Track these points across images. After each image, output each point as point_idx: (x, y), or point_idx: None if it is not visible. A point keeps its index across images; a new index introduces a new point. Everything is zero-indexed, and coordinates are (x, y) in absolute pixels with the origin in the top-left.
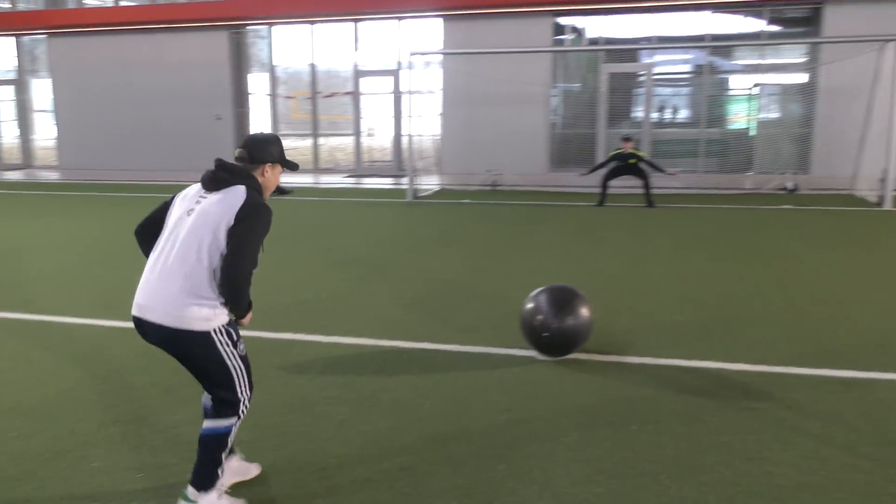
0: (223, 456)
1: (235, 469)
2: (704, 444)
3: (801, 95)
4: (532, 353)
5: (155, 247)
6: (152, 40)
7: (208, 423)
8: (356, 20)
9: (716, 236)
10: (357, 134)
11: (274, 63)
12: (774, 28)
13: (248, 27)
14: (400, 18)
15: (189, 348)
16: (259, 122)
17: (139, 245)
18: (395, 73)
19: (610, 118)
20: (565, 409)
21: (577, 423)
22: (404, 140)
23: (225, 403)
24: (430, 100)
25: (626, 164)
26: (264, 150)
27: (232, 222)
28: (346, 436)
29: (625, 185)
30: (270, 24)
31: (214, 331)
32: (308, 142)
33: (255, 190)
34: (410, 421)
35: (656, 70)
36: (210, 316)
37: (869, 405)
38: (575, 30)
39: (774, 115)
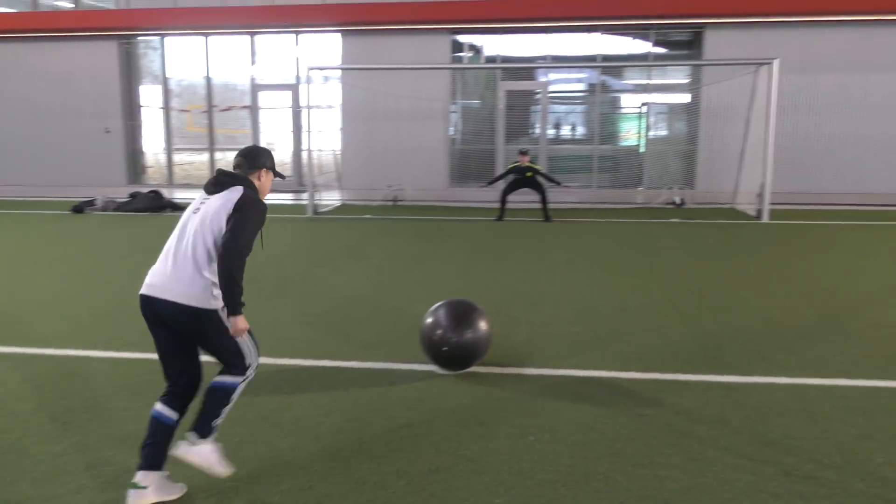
0: (224, 411)
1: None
2: (599, 451)
3: (685, 114)
4: (433, 367)
5: (168, 241)
6: (37, 49)
7: (217, 378)
8: (252, 33)
9: (609, 249)
10: None
11: (167, 75)
12: (660, 50)
13: (138, 38)
14: (297, 33)
15: (200, 323)
16: (152, 136)
17: None
18: (293, 88)
19: (508, 134)
20: (465, 422)
21: (476, 436)
22: (304, 155)
23: (234, 366)
24: (329, 115)
25: (523, 178)
26: (258, 158)
27: (231, 210)
28: (243, 457)
29: (522, 199)
30: (163, 35)
31: (221, 309)
32: (205, 156)
33: (251, 190)
34: (310, 439)
35: (551, 88)
36: (218, 296)
37: (749, 408)
38: (473, 48)
39: (662, 132)
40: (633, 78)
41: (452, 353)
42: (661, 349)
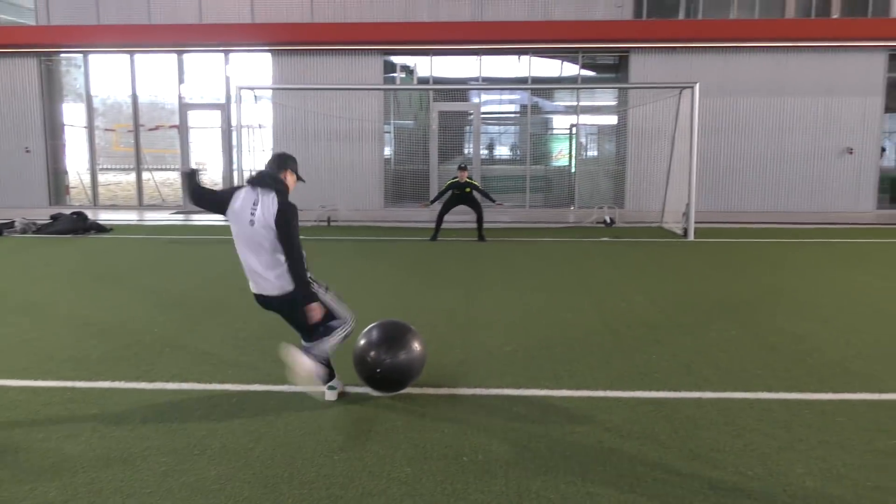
0: (331, 346)
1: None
2: (532, 470)
3: (614, 135)
4: (366, 389)
5: (244, 251)
6: None
7: (306, 344)
8: (180, 52)
9: (542, 268)
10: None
11: (91, 93)
12: (588, 73)
13: (60, 55)
14: (227, 52)
15: (294, 303)
16: (76, 156)
17: (198, 202)
18: (223, 107)
19: (441, 155)
20: (399, 444)
21: (410, 458)
22: (235, 175)
23: (316, 334)
24: (261, 134)
25: (462, 193)
26: (286, 161)
27: (273, 226)
28: (169, 488)
29: (457, 218)
30: (86, 53)
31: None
32: (132, 176)
33: (283, 193)
34: (240, 467)
35: (484, 109)
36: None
37: (677, 423)
38: (405, 68)
39: (592, 153)
40: (563, 100)
41: (386, 375)
42: (592, 366)
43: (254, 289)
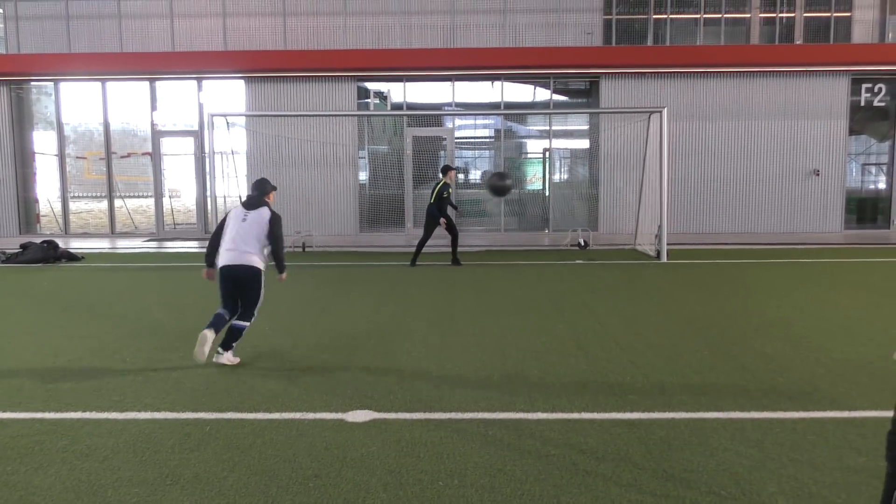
0: (235, 343)
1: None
2: (507, 494)
3: (586, 159)
4: (341, 415)
5: (226, 234)
6: None
7: (237, 322)
8: (152, 79)
9: (516, 291)
10: (157, 196)
11: (63, 121)
12: (560, 98)
13: (31, 83)
14: (199, 79)
15: (252, 279)
16: (47, 184)
17: (211, 244)
18: (196, 134)
19: (416, 180)
20: (373, 469)
21: (385, 484)
22: (209, 202)
23: (249, 314)
24: (234, 161)
25: (450, 196)
26: (266, 185)
27: (266, 226)
28: None
29: (435, 244)
30: (56, 81)
31: (262, 272)
32: (104, 204)
33: (269, 207)
34: (213, 496)
35: (458, 134)
36: (261, 264)
37: (651, 444)
38: (379, 94)
39: (565, 176)
40: (535, 124)
41: None
42: (567, 388)
43: (226, 261)
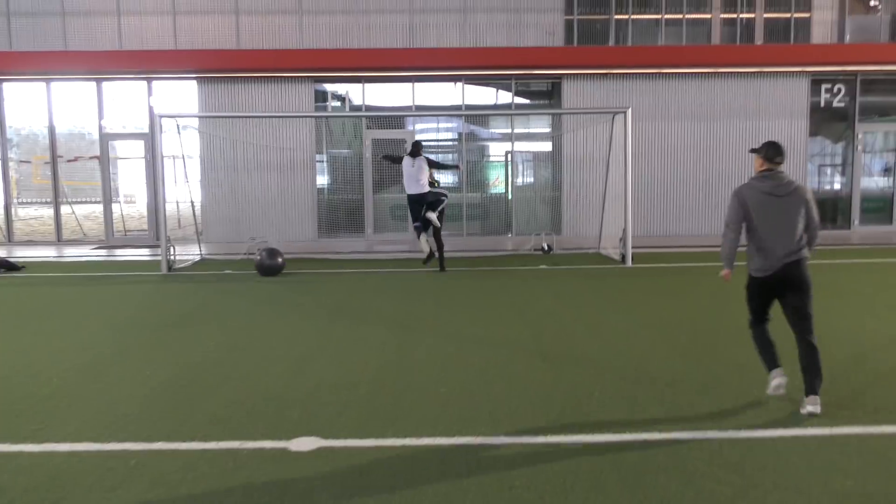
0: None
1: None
2: None
3: (549, 162)
4: (284, 443)
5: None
6: None
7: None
8: (99, 80)
9: (478, 299)
10: (106, 201)
11: (5, 123)
12: (522, 100)
13: None
14: (149, 79)
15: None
16: None
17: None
18: (147, 137)
19: (377, 184)
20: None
21: None
22: (160, 206)
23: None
24: (189, 165)
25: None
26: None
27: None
28: None
29: (391, 248)
30: None
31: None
32: (51, 210)
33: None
34: None
35: (419, 137)
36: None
37: (624, 469)
38: (337, 96)
39: (528, 180)
40: (498, 127)
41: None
42: (532, 407)
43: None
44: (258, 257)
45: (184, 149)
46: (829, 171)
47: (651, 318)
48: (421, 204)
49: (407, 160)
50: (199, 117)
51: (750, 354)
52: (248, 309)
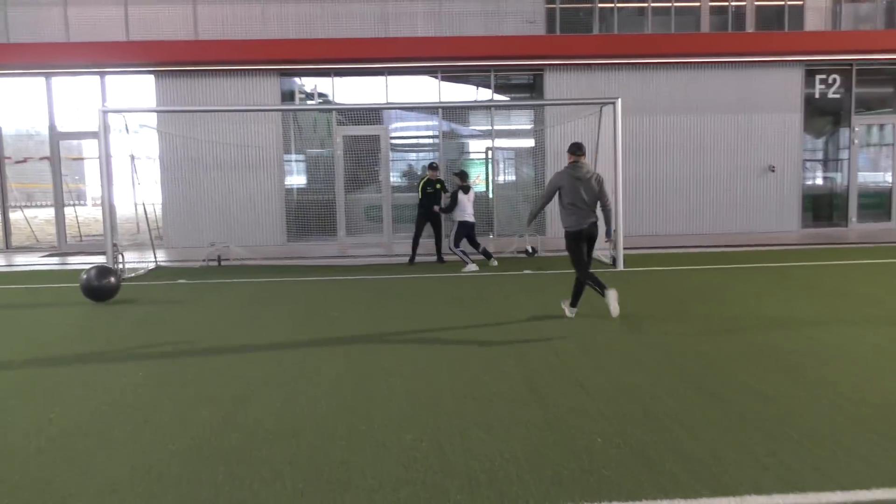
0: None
1: None
2: None
3: (532, 158)
4: None
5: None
6: None
7: None
8: (47, 74)
9: (456, 312)
10: (58, 205)
11: None
12: (502, 97)
13: None
14: (103, 74)
15: None
16: None
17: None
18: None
19: (349, 183)
20: None
21: None
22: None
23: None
24: (143, 165)
25: (434, 193)
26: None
27: None
28: None
29: (368, 253)
30: None
31: None
32: None
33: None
34: None
35: (396, 134)
36: None
37: None
38: (305, 91)
39: (510, 177)
40: (478, 123)
41: None
42: (518, 460)
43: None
44: (84, 276)
45: (134, 148)
46: (823, 166)
47: (652, 335)
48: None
49: (462, 195)
50: (148, 112)
51: (773, 381)
52: (192, 329)
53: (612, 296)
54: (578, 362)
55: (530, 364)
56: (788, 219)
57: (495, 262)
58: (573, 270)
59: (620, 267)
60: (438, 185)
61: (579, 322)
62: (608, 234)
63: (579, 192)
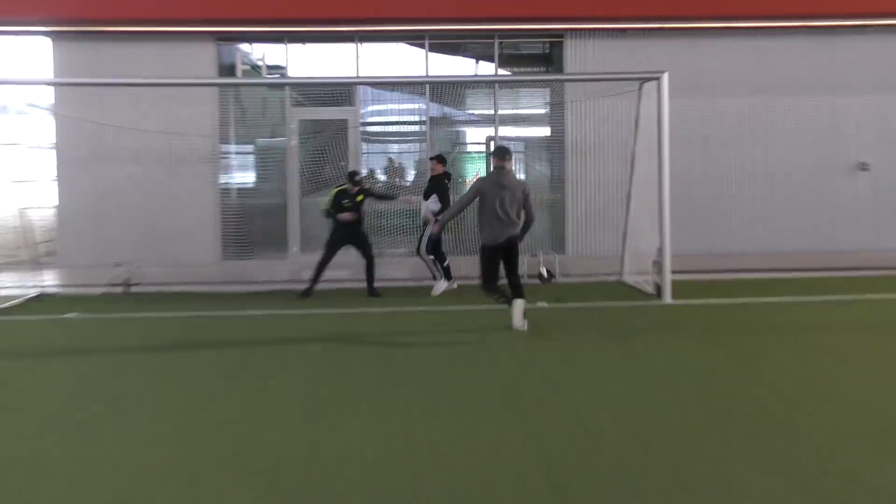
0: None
1: None
2: None
3: (546, 152)
4: None
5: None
6: None
7: None
8: None
9: (446, 366)
10: None
11: None
12: (507, 70)
13: None
14: None
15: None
16: None
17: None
18: None
19: (306, 183)
20: None
21: None
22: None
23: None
24: (43, 158)
25: (354, 204)
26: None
27: None
28: None
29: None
30: None
31: None
32: None
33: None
34: None
35: (369, 119)
36: None
37: None
38: (250, 62)
39: (519, 175)
40: (477, 106)
41: None
42: None
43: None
44: None
45: (18, 134)
46: None
47: (713, 396)
48: None
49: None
50: (39, 85)
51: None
52: (83, 381)
53: (518, 304)
54: (613, 436)
55: (547, 439)
56: (887, 233)
57: (455, 286)
58: (602, 303)
59: (667, 299)
60: (360, 197)
61: (617, 377)
62: (519, 239)
63: (504, 201)
